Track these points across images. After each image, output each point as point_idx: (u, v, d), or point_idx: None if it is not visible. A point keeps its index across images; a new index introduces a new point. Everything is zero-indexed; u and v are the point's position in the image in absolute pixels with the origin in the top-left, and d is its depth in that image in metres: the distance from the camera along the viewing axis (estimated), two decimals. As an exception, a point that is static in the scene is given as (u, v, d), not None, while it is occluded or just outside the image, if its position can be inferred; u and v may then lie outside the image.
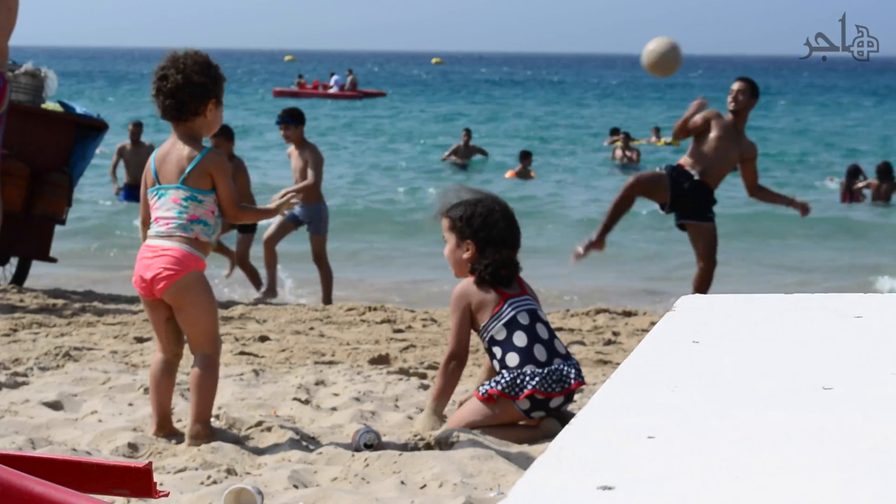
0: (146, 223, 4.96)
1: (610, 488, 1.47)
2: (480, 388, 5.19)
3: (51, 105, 9.67)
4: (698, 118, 9.50)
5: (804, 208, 9.63)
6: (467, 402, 5.25)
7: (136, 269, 4.94)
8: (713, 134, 9.41)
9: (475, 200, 5.31)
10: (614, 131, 29.55)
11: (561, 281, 12.21)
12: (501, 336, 5.17)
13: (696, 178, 9.35)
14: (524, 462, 4.72)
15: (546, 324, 5.22)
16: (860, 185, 21.27)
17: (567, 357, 5.20)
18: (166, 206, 4.88)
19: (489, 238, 5.22)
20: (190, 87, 4.87)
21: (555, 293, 11.78)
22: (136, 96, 59.94)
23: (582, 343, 7.56)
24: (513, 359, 5.15)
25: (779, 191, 10.17)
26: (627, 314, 8.91)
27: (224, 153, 4.95)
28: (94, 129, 9.76)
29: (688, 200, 9.41)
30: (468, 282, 5.25)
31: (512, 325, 5.17)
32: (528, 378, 5.09)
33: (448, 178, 25.36)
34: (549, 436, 5.06)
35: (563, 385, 5.12)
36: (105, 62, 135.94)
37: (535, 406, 5.13)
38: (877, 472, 1.53)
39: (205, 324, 4.92)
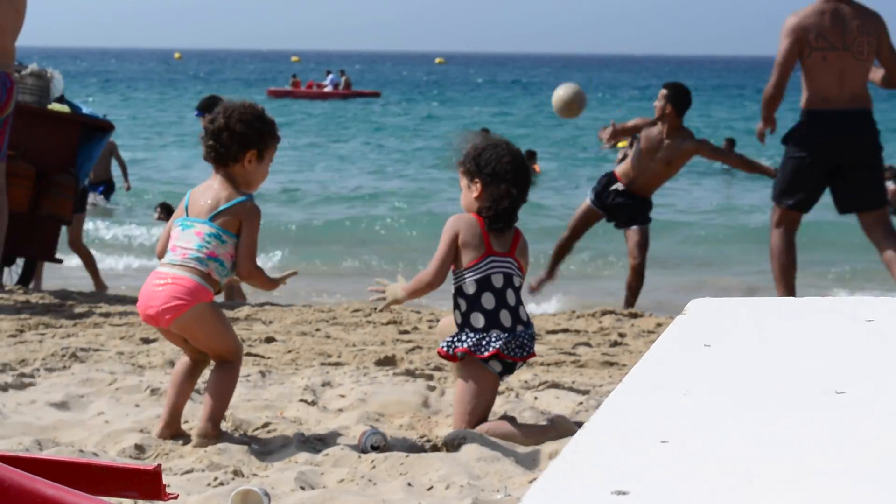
0: (162, 256, 4.97)
1: (624, 493, 1.47)
2: (445, 346, 5.18)
3: (57, 106, 9.68)
4: (630, 123, 10.08)
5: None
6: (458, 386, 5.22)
7: (141, 295, 4.94)
8: (640, 143, 9.88)
9: (486, 142, 5.32)
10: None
11: (567, 282, 12.20)
12: (471, 291, 5.15)
13: (622, 188, 9.87)
14: (532, 464, 4.72)
15: (517, 290, 5.22)
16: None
17: (528, 325, 5.22)
18: (188, 237, 4.89)
19: (494, 174, 5.20)
20: (229, 133, 4.92)
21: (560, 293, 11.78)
22: (122, 94, 60.17)
23: (588, 345, 7.55)
24: (478, 320, 5.14)
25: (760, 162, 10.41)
26: (633, 316, 8.90)
27: (259, 208, 4.97)
28: (99, 129, 9.76)
29: (619, 212, 9.96)
30: (465, 215, 5.24)
31: (483, 285, 5.14)
32: (493, 340, 5.10)
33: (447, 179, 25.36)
34: (565, 434, 5.07)
35: (523, 351, 5.14)
36: (106, 63, 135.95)
37: (504, 370, 5.18)
38: (890, 476, 1.53)
39: (222, 344, 4.95)
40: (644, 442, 1.66)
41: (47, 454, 4.50)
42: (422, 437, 5.08)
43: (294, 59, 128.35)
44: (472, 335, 5.14)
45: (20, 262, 9.95)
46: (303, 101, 56.84)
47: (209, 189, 4.96)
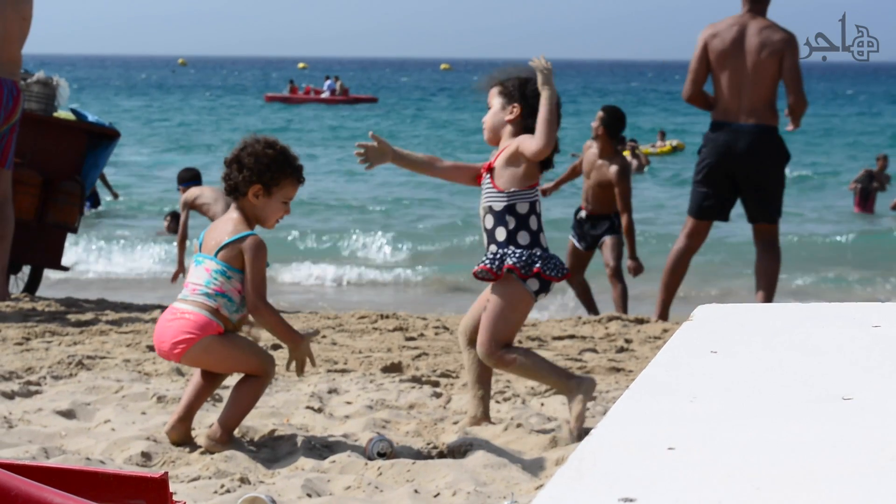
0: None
1: (631, 500, 1.47)
2: (488, 262, 5.21)
3: (63, 113, 9.69)
4: (564, 174, 10.64)
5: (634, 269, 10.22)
6: (500, 299, 5.24)
7: (155, 330, 5.03)
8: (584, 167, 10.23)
9: (533, 76, 5.32)
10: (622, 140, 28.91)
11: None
12: (522, 211, 5.23)
13: (584, 215, 10.18)
14: (538, 470, 4.72)
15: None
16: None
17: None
18: (198, 273, 4.94)
19: (532, 98, 5.25)
20: (238, 165, 4.95)
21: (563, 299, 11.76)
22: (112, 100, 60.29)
23: (594, 350, 7.55)
24: (524, 237, 5.21)
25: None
26: (640, 321, 8.89)
27: (261, 239, 4.93)
28: (105, 137, 9.77)
29: (593, 238, 10.23)
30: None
31: (533, 208, 5.25)
32: (536, 258, 5.17)
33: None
34: (587, 392, 5.23)
35: (560, 272, 5.21)
36: (122, 70, 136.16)
37: (541, 288, 5.22)
38: (898, 483, 1.53)
39: (241, 367, 4.98)
40: (651, 448, 1.66)
41: (54, 462, 4.50)
42: (428, 443, 5.08)
43: (301, 65, 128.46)
44: (517, 251, 5.19)
45: (26, 269, 9.95)
46: (300, 106, 57.06)
47: (219, 225, 5.00)
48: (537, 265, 5.16)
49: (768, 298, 8.93)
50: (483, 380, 5.43)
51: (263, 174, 4.92)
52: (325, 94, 59.45)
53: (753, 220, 8.99)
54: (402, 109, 57.76)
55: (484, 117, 5.40)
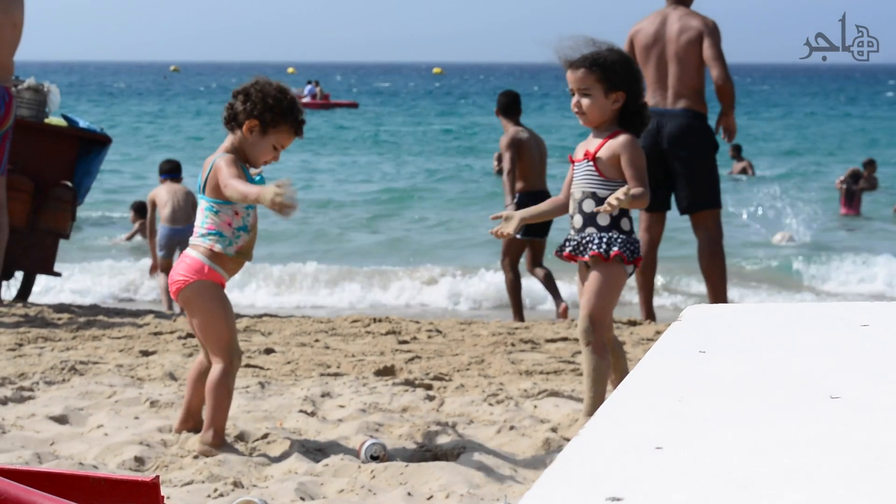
0: None
1: (618, 500, 1.47)
2: (599, 248, 5.26)
3: (54, 120, 9.69)
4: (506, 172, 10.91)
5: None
6: (591, 277, 5.30)
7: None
8: None
9: (609, 48, 5.27)
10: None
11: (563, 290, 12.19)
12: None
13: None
14: (531, 472, 4.72)
15: None
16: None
17: None
18: (199, 215, 5.01)
19: (639, 90, 5.28)
20: (244, 96, 4.97)
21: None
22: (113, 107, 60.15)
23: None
24: (626, 223, 5.32)
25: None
26: (632, 324, 8.90)
27: (233, 157, 4.90)
28: (97, 143, 9.77)
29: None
30: (633, 139, 5.26)
31: None
32: (637, 245, 5.33)
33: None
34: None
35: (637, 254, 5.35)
36: (102, 76, 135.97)
37: (633, 271, 5.39)
38: (885, 481, 1.53)
39: (213, 333, 4.98)
40: (638, 448, 1.66)
41: (46, 467, 4.50)
42: (421, 446, 5.08)
43: (290, 70, 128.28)
44: (621, 236, 5.27)
45: (18, 275, 9.95)
46: None
47: (207, 161, 5.01)
48: (638, 255, 5.31)
49: (719, 299, 8.90)
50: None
51: (265, 112, 4.94)
52: (307, 99, 59.51)
53: (685, 209, 8.95)
54: (382, 114, 57.76)
55: (581, 102, 5.26)
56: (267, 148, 4.99)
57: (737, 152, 27.72)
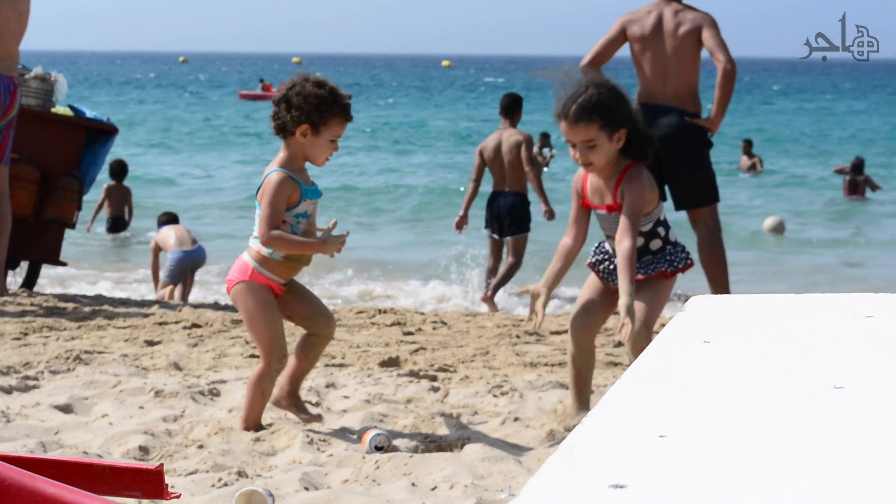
0: None
1: (621, 487, 1.47)
2: (668, 267, 5.28)
3: (60, 109, 9.69)
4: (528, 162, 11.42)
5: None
6: (651, 291, 5.29)
7: None
8: None
9: (593, 84, 5.12)
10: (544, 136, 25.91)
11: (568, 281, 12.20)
12: (662, 216, 5.32)
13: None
14: (535, 464, 4.72)
15: None
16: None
17: None
18: (256, 218, 5.07)
19: (638, 118, 5.18)
20: (286, 104, 4.98)
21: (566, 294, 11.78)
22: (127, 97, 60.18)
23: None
24: (673, 235, 5.34)
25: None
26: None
27: (284, 175, 4.96)
28: (104, 132, 9.77)
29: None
30: (646, 174, 5.19)
31: (662, 210, 5.33)
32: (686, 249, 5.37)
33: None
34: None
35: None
36: (123, 68, 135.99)
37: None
38: (888, 470, 1.53)
39: (254, 333, 5.12)
40: (642, 436, 1.66)
41: (50, 455, 4.50)
42: (426, 437, 5.08)
43: (295, 60, 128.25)
44: (676, 251, 5.30)
45: (24, 265, 9.96)
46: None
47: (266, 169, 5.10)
48: (689, 261, 5.35)
49: (721, 293, 8.90)
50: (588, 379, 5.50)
51: (311, 113, 4.95)
52: None
53: (683, 206, 8.95)
54: (375, 105, 57.86)
55: (589, 156, 5.08)
56: (324, 145, 5.01)
57: (748, 147, 27.48)
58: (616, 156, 5.13)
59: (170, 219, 12.79)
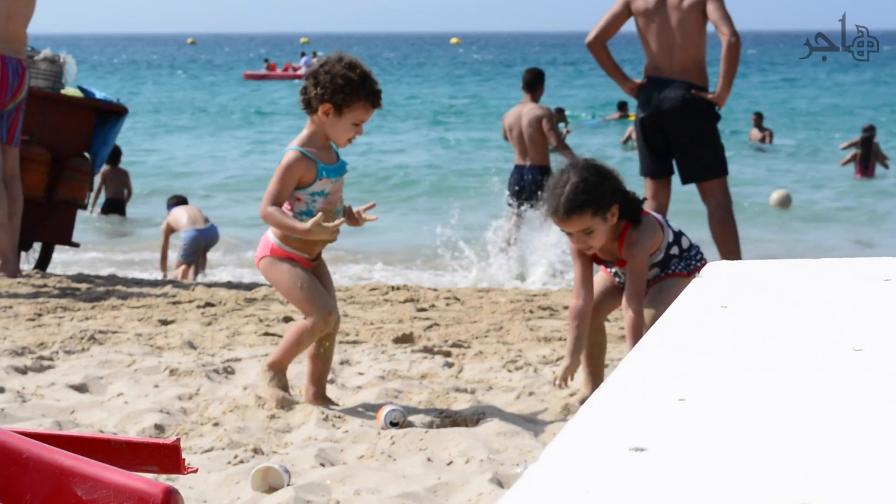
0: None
1: (642, 450, 1.46)
2: (684, 269, 5.33)
3: (70, 90, 9.69)
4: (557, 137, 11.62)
5: None
6: (665, 286, 5.32)
7: None
8: None
9: (576, 170, 5.10)
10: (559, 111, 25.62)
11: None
12: (671, 238, 5.35)
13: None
14: (550, 437, 4.72)
15: None
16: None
17: None
18: None
19: (625, 189, 5.18)
20: (314, 81, 4.98)
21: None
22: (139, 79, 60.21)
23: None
24: (685, 241, 5.38)
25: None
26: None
27: (299, 154, 4.96)
28: (114, 113, 9.77)
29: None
30: (643, 227, 5.22)
31: (668, 236, 5.34)
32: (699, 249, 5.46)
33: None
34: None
35: None
36: (129, 50, 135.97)
37: None
38: (910, 430, 1.52)
39: (292, 300, 5.19)
40: (661, 399, 1.66)
41: (67, 432, 4.51)
42: (441, 413, 5.08)
43: (303, 40, 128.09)
44: (691, 254, 5.39)
45: (37, 246, 9.98)
46: (278, 82, 57.41)
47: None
48: (703, 262, 5.37)
49: None
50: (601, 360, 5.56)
51: (336, 94, 4.93)
52: (303, 70, 59.62)
53: (689, 178, 8.94)
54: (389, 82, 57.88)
55: (588, 241, 5.11)
56: (346, 127, 4.99)
57: (759, 120, 27.39)
58: (612, 231, 5.17)
59: (179, 200, 12.82)
